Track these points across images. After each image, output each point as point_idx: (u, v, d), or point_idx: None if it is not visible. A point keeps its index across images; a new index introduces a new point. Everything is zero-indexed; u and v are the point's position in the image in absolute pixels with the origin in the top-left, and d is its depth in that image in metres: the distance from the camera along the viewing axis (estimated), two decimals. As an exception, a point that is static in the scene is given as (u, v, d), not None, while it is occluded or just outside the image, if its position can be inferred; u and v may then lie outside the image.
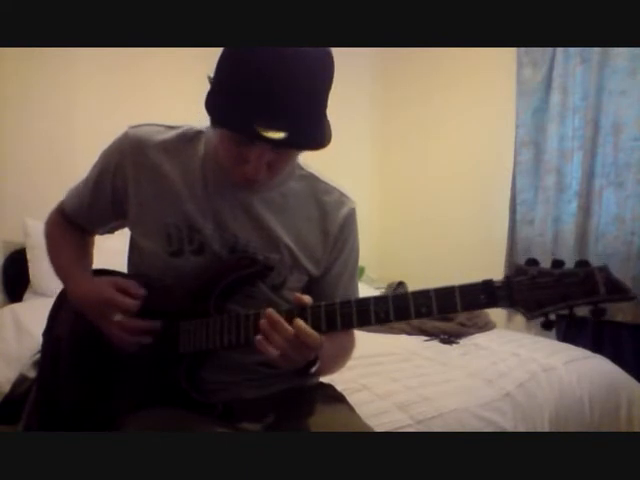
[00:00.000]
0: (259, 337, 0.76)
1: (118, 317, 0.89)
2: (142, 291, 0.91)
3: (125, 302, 0.89)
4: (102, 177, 0.97)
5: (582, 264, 0.70)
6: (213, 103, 0.78)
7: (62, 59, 2.47)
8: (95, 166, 0.99)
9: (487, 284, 0.72)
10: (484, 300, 0.72)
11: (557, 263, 0.71)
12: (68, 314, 1.02)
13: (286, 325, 0.75)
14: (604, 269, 0.69)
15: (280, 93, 0.73)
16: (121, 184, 0.94)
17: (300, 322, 0.75)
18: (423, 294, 0.74)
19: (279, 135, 0.73)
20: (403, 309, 0.75)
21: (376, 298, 0.77)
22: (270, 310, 0.77)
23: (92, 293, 0.93)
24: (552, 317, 0.72)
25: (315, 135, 0.78)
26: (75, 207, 1.03)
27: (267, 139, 0.73)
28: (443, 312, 0.74)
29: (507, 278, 0.72)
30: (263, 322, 0.76)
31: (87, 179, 1.01)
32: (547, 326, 0.72)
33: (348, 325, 0.77)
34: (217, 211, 0.92)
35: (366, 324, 0.77)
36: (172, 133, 0.94)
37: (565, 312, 0.72)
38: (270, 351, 0.75)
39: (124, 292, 0.90)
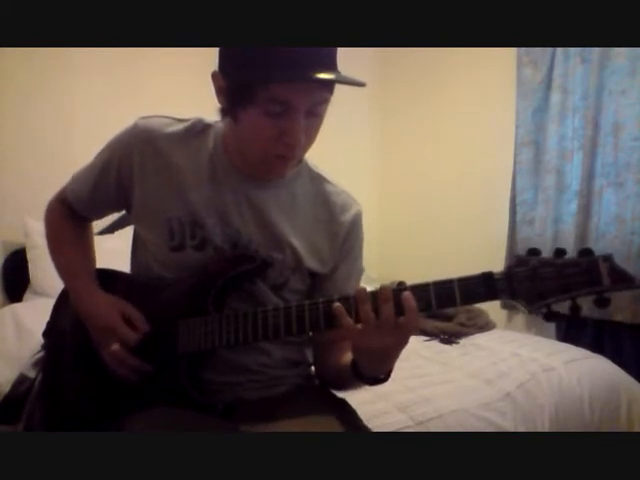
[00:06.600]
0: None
1: (115, 347, 0.89)
2: (146, 327, 0.91)
3: (126, 334, 0.89)
4: (108, 165, 0.96)
5: (585, 253, 0.68)
6: (251, 71, 0.76)
7: (61, 59, 2.47)
8: (101, 153, 0.99)
9: (486, 276, 0.71)
10: (483, 293, 0.71)
11: (559, 252, 0.69)
12: (72, 309, 1.01)
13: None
14: (608, 258, 0.67)
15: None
16: (127, 173, 0.94)
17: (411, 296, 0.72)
18: (422, 288, 0.73)
19: (331, 76, 0.76)
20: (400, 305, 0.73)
21: (373, 293, 0.75)
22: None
23: (98, 313, 0.93)
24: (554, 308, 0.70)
25: (351, 76, 0.79)
26: (77, 192, 1.03)
27: (323, 80, 0.76)
28: (442, 307, 0.72)
29: (507, 269, 0.70)
30: (386, 289, 0.74)
31: (92, 166, 1.00)
32: (549, 318, 0.70)
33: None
34: (222, 205, 0.91)
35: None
36: (181, 126, 0.94)
37: (566, 311, 0.70)
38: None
39: (129, 322, 0.91)
